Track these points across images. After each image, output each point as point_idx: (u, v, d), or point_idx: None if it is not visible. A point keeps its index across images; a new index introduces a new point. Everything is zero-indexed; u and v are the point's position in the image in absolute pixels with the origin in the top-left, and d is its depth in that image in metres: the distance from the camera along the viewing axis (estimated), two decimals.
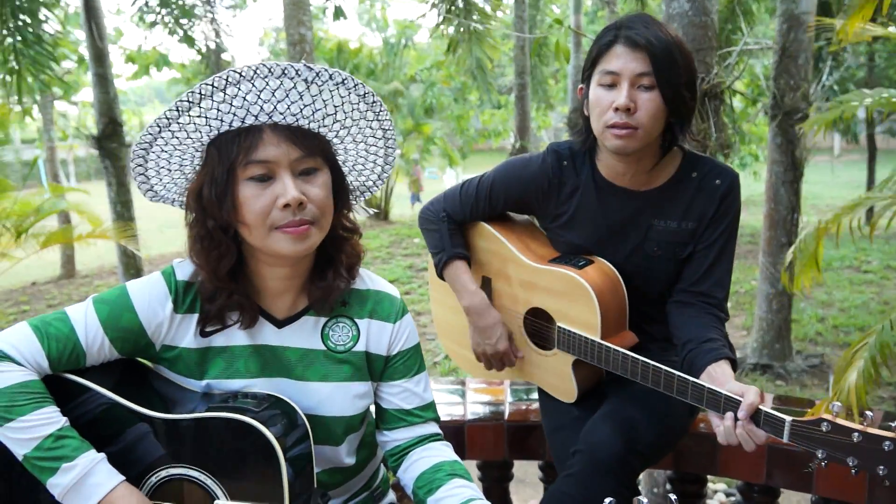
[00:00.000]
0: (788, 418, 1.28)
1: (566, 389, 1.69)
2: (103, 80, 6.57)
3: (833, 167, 16.77)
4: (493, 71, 7.87)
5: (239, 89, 1.08)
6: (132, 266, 6.96)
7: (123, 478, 1.13)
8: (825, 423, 1.24)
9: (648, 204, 1.58)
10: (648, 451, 1.50)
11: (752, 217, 11.18)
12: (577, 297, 1.58)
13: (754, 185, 12.42)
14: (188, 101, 1.09)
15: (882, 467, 1.19)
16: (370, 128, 1.22)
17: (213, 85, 1.07)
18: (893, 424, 1.22)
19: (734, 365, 1.44)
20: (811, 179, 14.27)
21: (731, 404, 1.31)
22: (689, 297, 1.57)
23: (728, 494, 3.21)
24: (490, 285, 1.83)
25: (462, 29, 4.71)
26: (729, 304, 1.68)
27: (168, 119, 1.11)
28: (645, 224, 1.59)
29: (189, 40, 7.59)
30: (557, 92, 12.26)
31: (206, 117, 1.10)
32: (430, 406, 1.36)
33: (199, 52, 8.17)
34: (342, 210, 1.23)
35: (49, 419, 1.11)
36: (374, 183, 1.33)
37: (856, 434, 1.21)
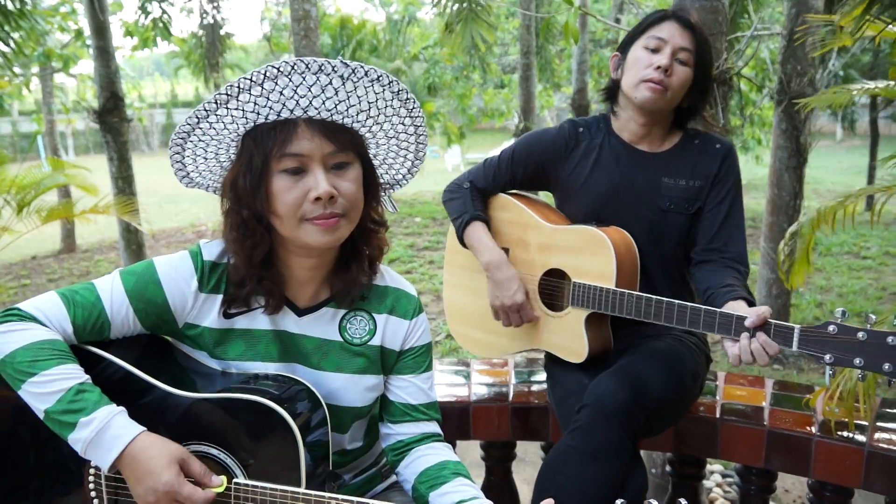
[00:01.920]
0: (797, 326, 1.34)
1: (576, 348, 1.75)
2: (104, 54, 6.52)
3: (836, 153, 16.73)
4: (491, 49, 7.81)
5: (276, 84, 1.11)
6: (133, 241, 6.97)
7: (143, 428, 1.13)
8: (832, 326, 1.29)
9: (659, 164, 1.77)
10: (654, 406, 1.55)
11: (754, 201, 11.18)
12: (595, 248, 1.70)
13: (756, 170, 12.39)
14: (227, 93, 1.12)
15: (888, 364, 1.24)
16: (402, 124, 1.25)
17: (251, 79, 1.11)
18: None
19: (750, 305, 1.50)
20: (813, 164, 14.23)
21: (741, 323, 1.40)
22: (709, 255, 1.71)
23: (724, 475, 3.26)
24: (508, 255, 1.89)
25: (461, 5, 4.67)
26: None
27: (206, 111, 1.14)
28: (657, 181, 1.76)
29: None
30: (562, 72, 12.17)
31: (244, 110, 1.14)
32: (434, 406, 1.40)
33: (199, 25, 8.10)
34: (371, 203, 1.26)
35: (71, 374, 1.13)
36: (403, 177, 1.36)
37: (861, 333, 1.26)
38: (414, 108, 1.24)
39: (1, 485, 1.23)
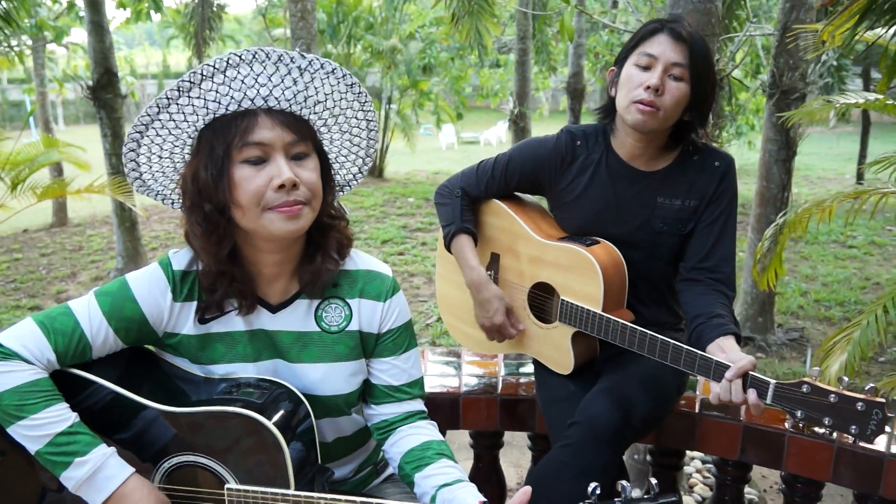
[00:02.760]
0: (773, 381, 1.40)
1: (563, 362, 1.79)
2: (98, 28, 6.48)
3: (828, 139, 16.81)
4: (493, 38, 7.78)
5: (238, 72, 1.13)
6: (127, 219, 7.00)
7: (133, 470, 1.19)
8: (805, 386, 1.36)
9: (655, 183, 1.72)
10: (641, 425, 1.62)
11: (746, 187, 11.23)
12: (583, 270, 1.69)
13: (748, 155, 12.46)
14: (189, 80, 1.13)
15: (854, 427, 1.31)
16: (356, 118, 1.28)
17: (213, 66, 1.12)
18: (867, 388, 1.34)
19: (738, 339, 1.55)
20: (805, 151, 14.30)
21: (721, 369, 1.43)
22: (698, 273, 1.69)
23: (704, 462, 3.37)
24: (498, 261, 1.93)
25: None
26: None
27: (169, 99, 1.14)
28: (651, 202, 1.72)
29: None
30: (558, 54, 12.13)
31: (205, 99, 1.15)
32: (418, 382, 1.42)
33: None
34: (328, 196, 1.28)
35: (60, 416, 1.16)
36: (353, 176, 1.38)
37: (832, 395, 1.33)
38: (366, 101, 1.27)
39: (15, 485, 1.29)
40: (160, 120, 1.17)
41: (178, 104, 1.15)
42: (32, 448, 1.17)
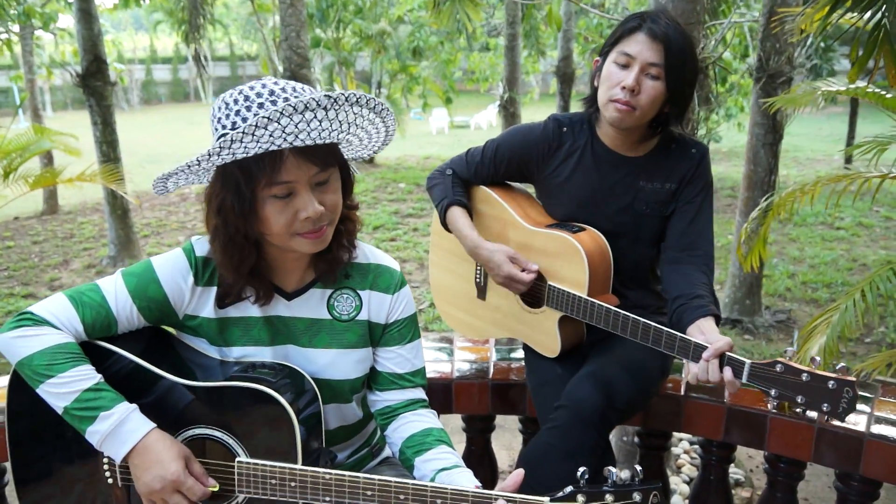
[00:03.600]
0: (748, 361, 1.46)
1: (551, 345, 1.85)
2: (87, 16, 6.43)
3: (817, 120, 16.89)
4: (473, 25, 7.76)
5: (266, 129, 1.12)
6: (119, 207, 6.99)
7: (155, 425, 1.24)
8: (779, 365, 1.42)
9: (637, 168, 1.81)
10: (626, 408, 1.68)
11: (734, 169, 11.33)
12: (569, 257, 1.75)
13: (738, 137, 12.52)
14: (219, 146, 1.13)
15: (826, 405, 1.38)
16: (374, 127, 1.32)
17: (243, 131, 1.11)
18: (838, 366, 1.40)
19: (718, 320, 1.62)
20: (795, 132, 14.37)
21: (699, 350, 1.49)
22: (678, 252, 1.76)
23: (692, 443, 3.45)
24: None
25: None
26: None
27: (199, 162, 1.18)
28: (634, 185, 1.80)
29: None
30: (547, 38, 12.10)
31: (234, 154, 1.16)
32: (420, 372, 1.49)
33: None
34: (348, 196, 1.34)
35: (86, 375, 1.23)
36: (372, 151, 1.42)
37: (805, 374, 1.39)
38: (387, 116, 1.29)
39: (27, 456, 1.34)
40: (189, 167, 1.22)
41: (204, 165, 1.20)
42: (60, 405, 1.22)
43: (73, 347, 1.25)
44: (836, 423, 1.45)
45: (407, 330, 1.46)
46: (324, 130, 1.20)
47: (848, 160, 11.27)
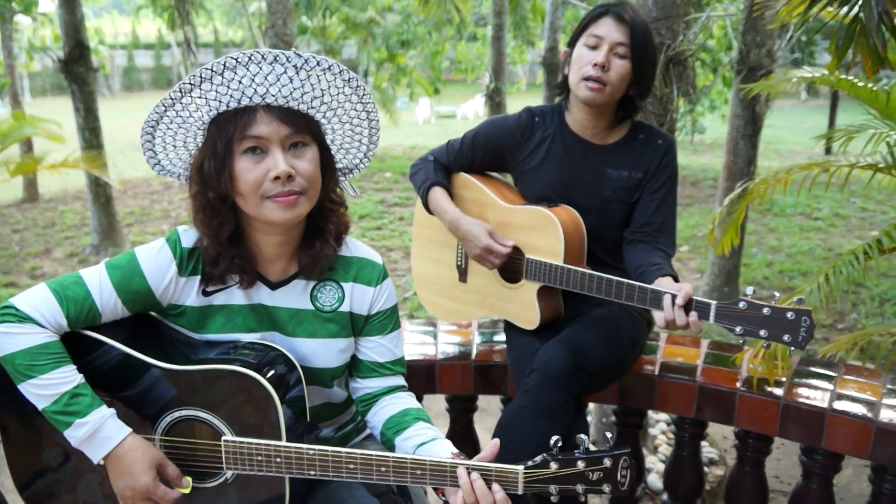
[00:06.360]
0: (714, 302, 1.57)
1: (530, 317, 1.93)
2: (69, 1, 6.37)
3: (800, 112, 17.09)
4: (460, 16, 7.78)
5: (235, 73, 1.22)
6: (102, 195, 6.96)
7: (130, 430, 1.29)
8: (742, 303, 1.52)
9: (605, 155, 1.92)
10: (595, 370, 1.76)
11: (717, 161, 11.47)
12: (546, 228, 1.85)
13: (722, 128, 12.65)
14: (189, 83, 1.22)
15: (787, 335, 1.48)
16: (354, 109, 1.36)
17: (212, 69, 1.21)
18: (796, 299, 1.49)
19: (676, 280, 1.72)
20: (777, 124, 14.53)
21: (670, 299, 1.60)
22: (641, 235, 1.89)
23: (668, 423, 3.54)
24: None
25: None
26: (686, 248, 1.97)
27: (172, 99, 1.25)
28: (601, 172, 1.91)
29: None
30: (536, 27, 12.12)
31: (206, 98, 1.24)
32: (400, 361, 1.54)
33: None
34: (329, 184, 1.37)
35: (66, 378, 1.25)
36: (360, 161, 1.47)
37: (766, 309, 1.49)
38: (364, 94, 1.35)
39: (25, 441, 1.39)
40: (168, 116, 1.28)
41: (182, 103, 1.26)
42: (40, 405, 1.26)
43: (55, 347, 1.27)
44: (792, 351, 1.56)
45: (388, 321, 1.50)
46: (295, 90, 1.26)
47: (828, 151, 11.45)
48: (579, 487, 1.23)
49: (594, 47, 1.80)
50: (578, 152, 1.92)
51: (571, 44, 1.88)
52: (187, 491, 1.33)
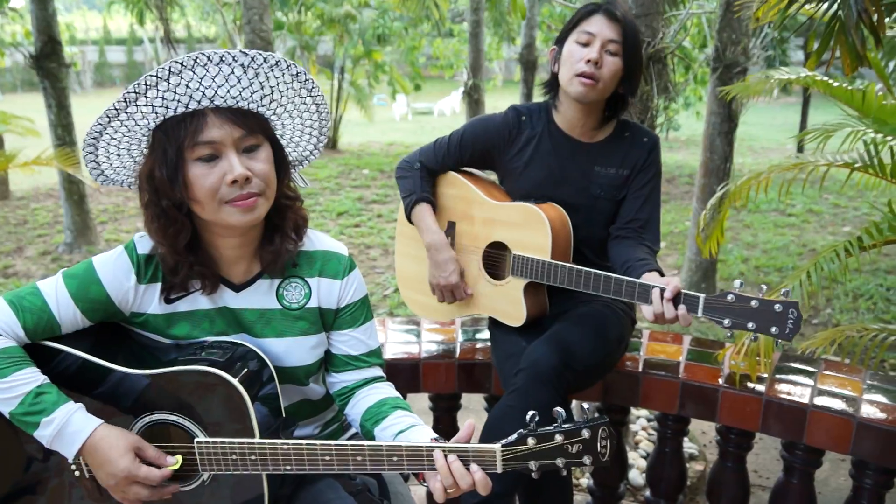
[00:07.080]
0: (702, 295, 1.57)
1: (516, 313, 1.93)
2: None
3: (772, 109, 17.34)
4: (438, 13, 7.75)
5: (181, 78, 1.18)
6: (75, 192, 6.82)
7: (101, 421, 1.25)
8: (730, 295, 1.53)
9: (592, 153, 1.93)
10: (581, 368, 1.77)
11: (693, 157, 11.60)
12: (533, 224, 1.85)
13: (696, 125, 12.80)
14: (135, 92, 1.18)
15: (774, 327, 1.48)
16: (304, 104, 1.34)
17: (157, 76, 1.17)
18: (783, 291, 1.50)
19: (661, 275, 1.73)
20: (750, 121, 14.71)
21: (658, 293, 1.59)
22: (626, 231, 1.89)
23: (648, 420, 3.58)
24: (454, 228, 2.06)
25: None
26: (663, 244, 1.99)
27: (117, 109, 1.20)
28: (589, 170, 1.92)
29: None
30: (515, 25, 12.14)
31: (153, 105, 1.20)
32: (375, 352, 1.51)
33: None
34: (283, 180, 1.35)
35: (29, 378, 1.23)
36: (310, 153, 1.45)
37: (754, 301, 1.50)
38: (313, 88, 1.32)
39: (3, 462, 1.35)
40: (112, 126, 1.23)
41: (127, 112, 1.21)
42: (6, 410, 1.23)
43: (14, 351, 1.24)
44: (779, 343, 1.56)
45: (359, 313, 1.48)
46: (244, 89, 1.23)
47: (800, 149, 11.63)
48: (559, 461, 1.19)
49: (586, 44, 1.80)
50: (566, 150, 1.93)
51: (560, 41, 1.88)
52: (176, 467, 1.29)
